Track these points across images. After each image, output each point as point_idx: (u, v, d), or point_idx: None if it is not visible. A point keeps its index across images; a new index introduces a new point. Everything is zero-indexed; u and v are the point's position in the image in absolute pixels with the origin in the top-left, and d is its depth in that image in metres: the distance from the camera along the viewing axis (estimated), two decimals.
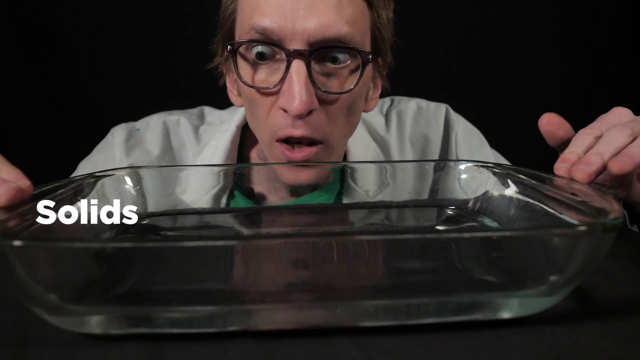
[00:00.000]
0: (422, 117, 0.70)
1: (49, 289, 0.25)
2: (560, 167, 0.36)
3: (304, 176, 0.50)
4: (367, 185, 0.49)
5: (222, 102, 0.71)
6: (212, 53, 0.59)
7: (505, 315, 0.27)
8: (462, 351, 0.24)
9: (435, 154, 0.69)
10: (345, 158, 0.62)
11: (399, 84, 0.64)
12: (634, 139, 0.36)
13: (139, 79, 1.07)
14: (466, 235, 0.26)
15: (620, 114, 0.39)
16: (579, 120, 0.41)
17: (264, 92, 0.49)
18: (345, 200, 0.53)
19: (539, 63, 1.17)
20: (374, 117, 0.70)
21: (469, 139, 0.70)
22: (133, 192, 0.44)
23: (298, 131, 0.48)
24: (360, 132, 0.64)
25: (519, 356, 0.24)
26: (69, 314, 0.25)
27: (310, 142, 0.50)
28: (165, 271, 0.26)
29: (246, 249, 0.26)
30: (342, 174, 0.52)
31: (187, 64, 1.03)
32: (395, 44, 0.57)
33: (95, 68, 1.06)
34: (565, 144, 0.41)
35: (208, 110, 0.70)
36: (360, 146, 0.63)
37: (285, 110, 0.48)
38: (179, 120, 0.66)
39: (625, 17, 1.20)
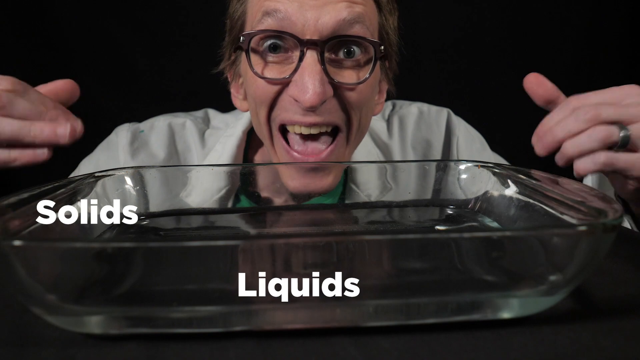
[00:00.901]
0: (424, 122, 0.70)
1: (49, 289, 0.25)
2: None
3: (315, 186, 0.49)
4: (369, 189, 0.49)
5: (224, 103, 0.71)
6: (219, 58, 0.59)
7: (505, 315, 0.27)
8: (462, 351, 0.24)
9: (436, 159, 0.69)
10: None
11: (402, 87, 0.64)
12: (590, 127, 0.38)
13: (139, 80, 1.07)
14: (466, 235, 0.26)
15: (627, 92, 0.40)
16: None
17: (274, 83, 0.49)
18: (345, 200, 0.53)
19: (539, 63, 1.17)
20: (377, 122, 0.70)
21: (470, 143, 0.71)
22: (133, 192, 0.44)
23: (307, 119, 0.48)
24: (363, 138, 0.65)
25: (519, 356, 0.24)
26: (69, 314, 0.25)
27: (325, 129, 0.49)
28: (166, 271, 0.26)
29: (247, 249, 0.26)
30: (344, 178, 0.52)
31: (188, 65, 1.03)
32: (399, 51, 0.58)
33: (96, 69, 1.06)
34: (551, 103, 0.43)
35: (212, 113, 0.70)
36: (363, 152, 0.63)
37: (296, 100, 0.47)
38: (185, 124, 0.66)
39: (626, 17, 1.20)
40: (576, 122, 0.38)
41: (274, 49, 0.48)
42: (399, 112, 0.71)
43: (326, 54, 0.47)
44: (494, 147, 0.74)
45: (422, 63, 1.09)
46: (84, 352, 0.25)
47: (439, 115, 0.71)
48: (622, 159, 0.38)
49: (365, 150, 0.64)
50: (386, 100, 0.72)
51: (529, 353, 0.24)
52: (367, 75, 0.49)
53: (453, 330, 0.26)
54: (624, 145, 0.38)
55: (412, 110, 0.71)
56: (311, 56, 0.46)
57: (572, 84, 1.20)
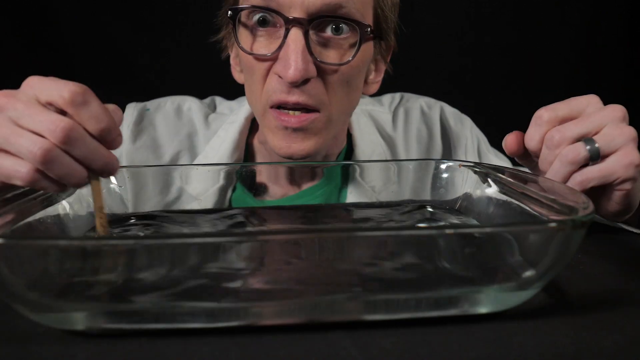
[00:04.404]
0: (429, 117, 0.71)
1: (34, 287, 0.25)
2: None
3: (297, 147, 0.50)
4: (373, 180, 0.50)
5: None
6: (216, 27, 0.59)
7: (482, 310, 0.27)
8: (462, 351, 0.25)
9: (438, 154, 0.70)
10: (352, 153, 0.63)
11: (402, 81, 0.64)
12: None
13: (139, 80, 1.06)
14: (443, 231, 0.27)
15: (588, 101, 0.40)
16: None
17: (261, 59, 0.50)
18: (348, 191, 0.54)
19: (539, 63, 1.18)
20: (382, 114, 0.70)
21: (474, 142, 0.71)
22: (118, 191, 0.45)
23: (293, 97, 0.49)
24: (368, 128, 0.66)
25: (518, 355, 0.24)
26: (52, 311, 0.25)
27: (306, 109, 0.50)
28: (160, 269, 0.26)
29: (241, 246, 0.26)
30: (344, 166, 0.52)
31: (188, 65, 1.03)
32: (400, 32, 0.57)
33: (96, 69, 1.05)
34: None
35: (219, 100, 0.71)
36: (367, 141, 0.64)
37: (280, 77, 0.48)
38: (191, 107, 0.67)
39: (626, 16, 1.21)
40: (549, 151, 0.39)
41: (262, 23, 0.49)
42: (405, 105, 0.72)
43: (311, 33, 0.48)
44: (493, 144, 0.74)
45: (421, 61, 1.09)
46: (84, 352, 0.25)
47: (444, 110, 0.72)
48: (596, 170, 0.38)
49: (369, 140, 0.65)
50: (390, 83, 0.72)
51: (529, 353, 0.25)
52: (350, 58, 0.50)
53: (453, 330, 0.27)
54: (596, 157, 0.38)
55: (418, 104, 0.72)
56: (295, 34, 0.47)
57: (572, 83, 1.21)
